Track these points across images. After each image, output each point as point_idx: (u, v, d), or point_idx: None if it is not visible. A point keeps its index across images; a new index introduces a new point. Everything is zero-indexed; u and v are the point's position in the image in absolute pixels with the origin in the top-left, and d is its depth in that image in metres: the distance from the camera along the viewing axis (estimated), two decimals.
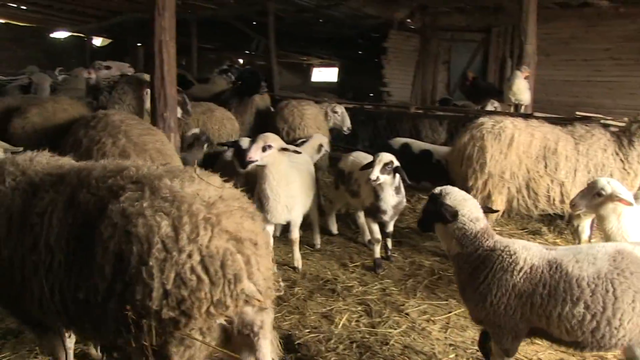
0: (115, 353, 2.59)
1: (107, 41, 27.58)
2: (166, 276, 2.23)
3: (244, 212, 2.53)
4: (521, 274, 3.26)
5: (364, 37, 20.61)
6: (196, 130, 6.97)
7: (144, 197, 2.41)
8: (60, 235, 2.60)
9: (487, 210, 3.89)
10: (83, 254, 2.49)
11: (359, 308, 5.19)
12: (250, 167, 5.23)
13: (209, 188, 2.51)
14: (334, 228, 7.33)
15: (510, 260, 3.32)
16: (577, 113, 7.87)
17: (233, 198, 2.56)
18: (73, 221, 2.61)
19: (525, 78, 9.31)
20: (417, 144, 7.22)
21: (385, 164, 5.55)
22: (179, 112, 6.65)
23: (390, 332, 4.72)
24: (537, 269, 3.24)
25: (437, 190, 3.67)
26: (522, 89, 9.25)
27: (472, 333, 4.70)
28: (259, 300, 2.40)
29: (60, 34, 24.88)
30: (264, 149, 5.17)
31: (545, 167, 5.70)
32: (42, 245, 2.62)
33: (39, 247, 2.63)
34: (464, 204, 3.54)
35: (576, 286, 3.08)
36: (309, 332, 4.65)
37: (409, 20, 16.97)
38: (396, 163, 5.65)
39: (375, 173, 5.49)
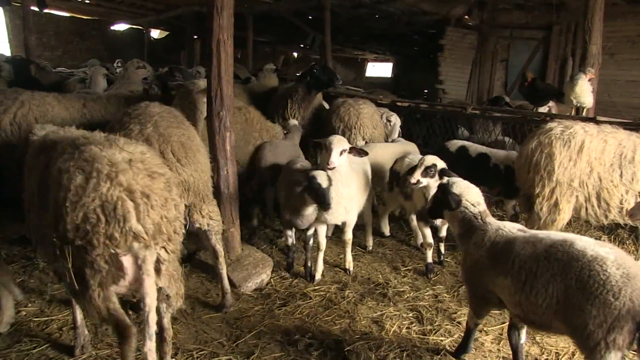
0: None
1: (164, 33, 28.08)
2: (77, 214, 2.99)
3: (144, 171, 3.22)
4: (484, 249, 3.80)
5: (420, 33, 20.33)
6: (295, 122, 8.01)
7: (72, 158, 3.19)
8: (37, 186, 3.46)
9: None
10: (45, 201, 3.31)
11: (410, 314, 5.12)
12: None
13: (122, 153, 3.25)
14: (386, 230, 7.25)
15: (480, 237, 3.87)
16: None
17: (139, 161, 3.26)
18: (42, 178, 3.42)
19: (589, 80, 8.95)
20: (475, 147, 7.04)
21: (428, 167, 5.41)
22: None
23: (441, 341, 4.63)
24: (496, 244, 3.74)
25: (445, 180, 4.30)
26: (584, 92, 8.88)
27: (527, 346, 4.56)
28: (144, 239, 3.09)
29: (120, 27, 25.49)
30: (341, 154, 5.26)
31: (621, 176, 5.39)
32: (30, 191, 3.57)
33: (29, 190, 3.60)
34: (468, 191, 4.12)
35: (510, 261, 3.52)
36: (359, 338, 4.61)
37: (466, 17, 16.63)
38: (440, 166, 5.47)
39: (416, 177, 5.39)
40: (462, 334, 4.69)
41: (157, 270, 3.31)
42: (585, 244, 3.27)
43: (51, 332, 4.49)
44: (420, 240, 6.62)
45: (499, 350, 4.54)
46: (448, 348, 4.52)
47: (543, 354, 4.49)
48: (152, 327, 3.21)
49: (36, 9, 13.94)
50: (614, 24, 13.04)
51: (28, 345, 4.26)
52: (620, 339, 2.91)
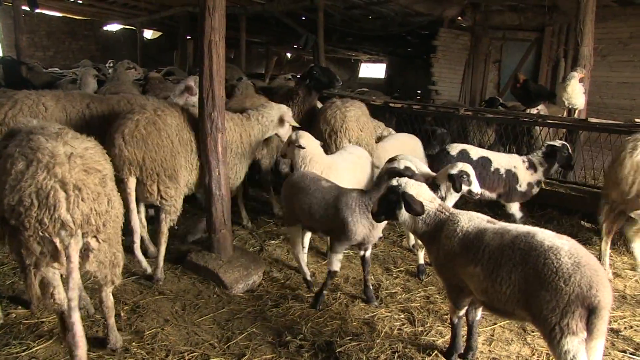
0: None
1: (158, 34, 28.03)
2: (13, 197, 3.25)
3: (81, 166, 3.45)
4: (456, 239, 3.90)
5: (413, 34, 20.36)
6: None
7: (20, 145, 3.44)
8: None
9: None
10: None
11: (402, 316, 5.12)
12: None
13: (65, 146, 3.48)
14: None
15: (452, 228, 3.96)
16: (637, 120, 7.56)
17: (79, 156, 3.50)
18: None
19: (581, 80, 8.99)
20: (476, 151, 6.99)
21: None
22: None
23: (433, 342, 4.63)
24: (468, 235, 3.85)
25: (394, 182, 4.22)
26: (576, 93, 8.92)
27: (518, 347, 4.59)
28: (71, 227, 3.33)
29: (113, 27, 25.44)
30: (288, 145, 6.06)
31: None
32: None
33: None
34: (421, 190, 4.17)
35: (481, 251, 3.68)
36: (350, 339, 4.60)
37: (459, 18, 16.64)
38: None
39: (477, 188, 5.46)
40: None
41: (87, 257, 3.65)
42: (545, 235, 3.48)
43: (41, 334, 4.46)
44: (412, 241, 6.63)
45: (490, 351, 4.54)
46: (439, 349, 4.52)
47: (534, 354, 4.50)
48: (74, 303, 3.43)
49: (27, 8, 13.81)
50: (606, 25, 13.10)
51: (17, 348, 4.23)
52: (573, 323, 3.12)
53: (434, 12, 15.95)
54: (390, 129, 8.92)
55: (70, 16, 23.18)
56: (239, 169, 6.54)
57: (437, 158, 7.04)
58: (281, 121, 6.87)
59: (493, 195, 6.98)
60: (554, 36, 15.14)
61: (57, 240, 3.36)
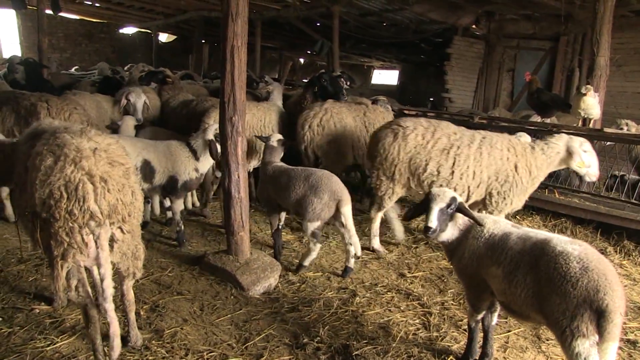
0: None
1: (172, 37, 28.24)
2: (43, 190, 3.39)
3: (106, 159, 3.62)
4: (482, 239, 4.07)
5: (427, 41, 20.43)
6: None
7: (47, 142, 3.60)
8: (22, 168, 3.77)
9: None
10: (25, 180, 3.64)
11: (417, 321, 5.16)
12: None
13: (89, 142, 3.64)
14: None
15: (479, 229, 4.13)
16: None
17: (103, 150, 3.67)
18: (26, 160, 3.73)
19: (589, 93, 9.00)
20: None
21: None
22: None
23: (448, 348, 4.68)
24: (494, 236, 4.01)
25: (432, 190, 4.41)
26: (592, 105, 8.95)
27: (532, 355, 4.61)
28: (99, 217, 3.48)
29: (129, 30, 25.67)
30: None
31: None
32: (17, 172, 3.92)
33: (17, 171, 3.94)
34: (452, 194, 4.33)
35: (504, 253, 3.82)
36: (366, 343, 4.65)
37: (474, 26, 16.72)
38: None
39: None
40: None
41: (111, 248, 3.72)
42: (558, 241, 3.58)
43: (64, 330, 4.56)
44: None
45: (504, 358, 4.58)
46: (455, 354, 4.56)
47: None
48: (108, 291, 3.60)
49: (50, 12, 13.96)
50: (622, 35, 13.14)
51: (42, 342, 4.33)
52: (582, 326, 3.22)
53: (449, 20, 16.02)
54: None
55: (88, 19, 23.45)
56: (509, 200, 6.32)
57: None
58: (569, 152, 6.22)
59: None
60: (569, 45, 15.17)
61: (84, 231, 3.49)
